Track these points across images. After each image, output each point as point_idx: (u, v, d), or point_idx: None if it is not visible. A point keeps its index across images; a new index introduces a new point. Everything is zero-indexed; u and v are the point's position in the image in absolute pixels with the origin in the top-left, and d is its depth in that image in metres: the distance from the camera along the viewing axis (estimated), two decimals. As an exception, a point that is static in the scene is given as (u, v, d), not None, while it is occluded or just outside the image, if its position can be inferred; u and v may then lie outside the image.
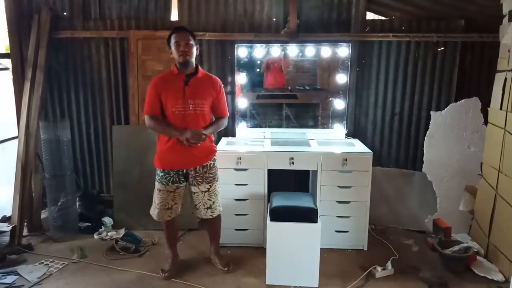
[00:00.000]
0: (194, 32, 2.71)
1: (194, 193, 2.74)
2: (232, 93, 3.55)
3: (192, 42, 2.59)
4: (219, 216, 2.87)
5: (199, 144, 2.59)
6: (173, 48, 2.59)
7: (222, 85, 2.77)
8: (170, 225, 2.80)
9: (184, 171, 2.68)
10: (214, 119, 2.78)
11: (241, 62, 3.54)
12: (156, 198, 2.72)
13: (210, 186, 2.74)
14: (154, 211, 2.75)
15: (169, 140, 2.62)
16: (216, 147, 2.81)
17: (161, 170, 2.68)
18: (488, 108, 3.08)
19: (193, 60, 2.63)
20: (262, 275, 2.73)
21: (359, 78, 3.53)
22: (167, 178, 2.66)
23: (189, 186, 2.74)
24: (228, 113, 2.84)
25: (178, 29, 2.63)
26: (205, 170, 2.70)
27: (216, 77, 2.76)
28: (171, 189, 2.68)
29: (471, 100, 3.33)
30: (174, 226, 2.85)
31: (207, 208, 2.76)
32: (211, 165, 2.74)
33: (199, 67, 2.70)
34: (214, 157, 2.77)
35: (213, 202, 2.77)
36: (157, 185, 2.71)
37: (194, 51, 2.61)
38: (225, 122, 2.81)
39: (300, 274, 2.65)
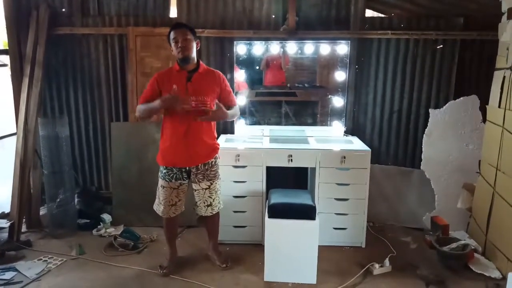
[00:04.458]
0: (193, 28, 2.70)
1: (195, 190, 2.75)
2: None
3: (190, 37, 2.57)
4: (218, 213, 2.88)
5: (192, 105, 2.50)
6: (172, 45, 2.58)
7: (224, 77, 2.75)
8: (171, 222, 2.81)
9: (187, 168, 2.68)
10: None
11: (240, 59, 3.54)
12: (160, 194, 2.72)
13: (211, 184, 2.74)
14: (159, 207, 2.76)
15: (171, 137, 2.62)
16: (218, 145, 2.80)
17: (164, 167, 2.68)
18: (487, 106, 3.09)
19: (194, 55, 2.61)
20: (260, 272, 2.74)
21: (358, 75, 3.53)
22: (170, 175, 2.66)
23: (191, 183, 2.75)
24: (236, 103, 2.82)
25: (176, 25, 2.62)
26: (206, 167, 2.70)
27: (218, 71, 2.75)
28: (175, 186, 2.68)
29: (469, 98, 3.33)
30: (175, 223, 2.85)
31: (207, 206, 2.77)
32: (213, 163, 2.74)
33: (201, 62, 2.69)
34: (216, 154, 2.77)
35: (213, 200, 2.77)
36: (161, 181, 2.71)
37: (194, 46, 2.59)
38: (236, 111, 2.79)
39: (298, 271, 2.66)
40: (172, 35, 2.57)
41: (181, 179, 2.68)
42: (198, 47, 2.66)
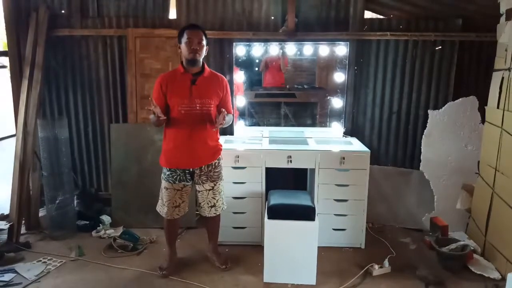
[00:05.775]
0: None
1: (199, 191, 2.75)
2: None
3: (204, 42, 2.58)
4: (219, 214, 2.88)
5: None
6: (183, 44, 2.57)
7: (228, 83, 2.77)
8: (173, 224, 2.80)
9: (191, 170, 2.68)
10: None
11: (240, 60, 3.54)
12: (164, 196, 2.72)
13: (214, 185, 2.74)
14: (162, 209, 2.75)
15: (175, 139, 2.62)
16: (221, 146, 2.80)
17: (168, 169, 2.68)
18: (485, 107, 3.09)
19: (201, 59, 2.62)
20: (259, 273, 2.74)
21: (357, 76, 3.54)
22: (173, 177, 2.66)
23: (194, 185, 2.75)
24: (232, 111, 2.84)
25: (193, 26, 2.62)
26: (210, 169, 2.70)
27: (222, 76, 2.75)
28: (178, 188, 2.68)
29: (468, 99, 3.33)
30: (176, 225, 2.85)
31: (211, 207, 2.77)
32: (216, 164, 2.74)
33: (206, 65, 2.69)
34: (220, 156, 2.77)
35: (217, 201, 2.77)
36: (164, 183, 2.71)
37: (204, 51, 2.61)
38: (230, 120, 2.80)
39: (297, 272, 2.66)
40: (186, 34, 2.55)
41: (185, 180, 2.68)
42: (206, 53, 2.66)
